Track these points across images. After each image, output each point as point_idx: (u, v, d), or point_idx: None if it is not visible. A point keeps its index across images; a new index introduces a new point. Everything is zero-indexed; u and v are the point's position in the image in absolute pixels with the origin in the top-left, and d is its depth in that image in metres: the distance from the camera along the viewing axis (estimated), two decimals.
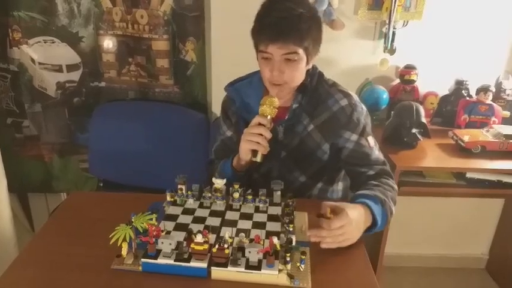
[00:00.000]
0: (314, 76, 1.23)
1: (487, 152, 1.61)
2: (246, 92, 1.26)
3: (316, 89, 1.22)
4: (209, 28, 1.76)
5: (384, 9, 1.76)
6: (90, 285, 0.87)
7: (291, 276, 0.85)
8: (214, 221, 1.00)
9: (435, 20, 1.82)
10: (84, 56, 1.82)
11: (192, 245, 0.84)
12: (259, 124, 1.09)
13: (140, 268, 0.88)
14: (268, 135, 1.08)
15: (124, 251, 0.91)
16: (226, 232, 0.88)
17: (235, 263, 0.84)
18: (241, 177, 1.20)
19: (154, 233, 0.87)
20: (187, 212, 1.05)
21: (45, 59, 1.81)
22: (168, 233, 0.93)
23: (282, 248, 0.88)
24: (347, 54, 1.89)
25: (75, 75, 1.85)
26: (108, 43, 1.80)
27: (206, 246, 0.84)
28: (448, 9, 1.81)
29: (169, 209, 1.07)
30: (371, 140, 1.22)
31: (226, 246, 0.84)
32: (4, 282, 0.87)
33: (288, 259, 0.86)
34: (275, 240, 0.85)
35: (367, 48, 1.87)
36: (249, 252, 0.84)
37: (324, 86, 1.24)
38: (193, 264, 0.85)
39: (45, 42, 1.78)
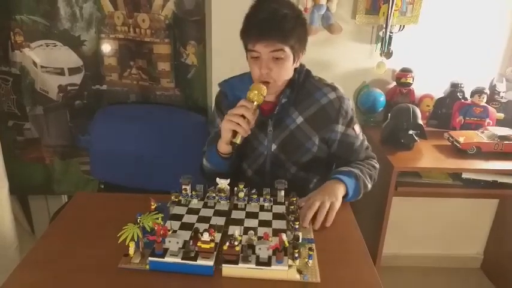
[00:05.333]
0: (301, 73, 1.28)
1: (482, 152, 1.64)
2: (238, 87, 1.31)
3: (303, 84, 1.27)
4: (210, 32, 1.78)
5: (380, 13, 1.79)
6: (97, 284, 0.88)
7: (299, 272, 0.88)
8: (219, 221, 1.03)
9: (431, 25, 1.86)
10: (86, 60, 1.84)
11: (199, 244, 0.86)
12: (243, 106, 1.12)
13: (147, 267, 0.89)
14: (250, 117, 1.11)
15: (131, 250, 0.92)
16: (236, 230, 0.90)
17: (246, 260, 0.86)
18: (227, 164, 1.25)
19: (162, 232, 0.89)
20: (191, 211, 1.07)
21: (47, 62, 1.82)
22: (174, 232, 0.95)
23: (290, 244, 0.90)
24: (345, 58, 1.92)
25: (77, 79, 1.86)
26: (110, 47, 1.82)
27: (213, 245, 0.86)
28: (444, 13, 1.85)
29: (174, 209, 1.09)
30: (357, 128, 1.30)
31: (236, 243, 0.86)
32: (11, 283, 0.88)
33: (296, 255, 0.89)
34: (284, 237, 0.87)
35: (364, 51, 1.91)
36: (259, 249, 0.86)
37: (310, 81, 1.29)
38: (200, 262, 0.87)
39: (47, 46, 1.80)
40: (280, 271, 0.86)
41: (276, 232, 0.94)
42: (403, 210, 2.10)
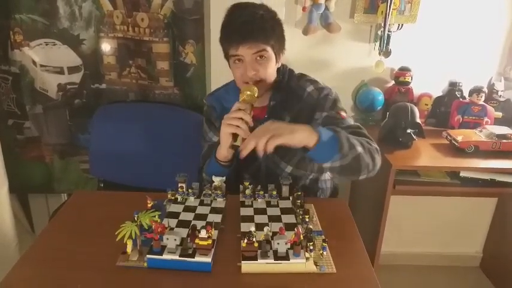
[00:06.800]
0: (285, 73, 1.30)
1: (480, 151, 1.65)
2: (224, 98, 1.34)
3: (288, 85, 1.29)
4: (209, 31, 1.79)
5: (379, 12, 1.80)
6: (95, 282, 0.88)
7: (316, 264, 0.90)
8: (216, 218, 1.03)
9: (429, 23, 1.86)
10: (85, 58, 1.84)
11: (197, 240, 0.87)
12: (240, 109, 1.13)
13: (145, 264, 0.90)
14: (248, 119, 1.12)
15: (129, 248, 0.93)
16: (251, 227, 0.91)
17: (264, 256, 0.88)
18: (228, 173, 1.24)
19: (159, 230, 0.90)
20: (188, 209, 1.08)
21: (47, 61, 1.83)
22: (172, 229, 0.95)
23: (305, 237, 0.91)
24: (343, 57, 1.93)
25: (76, 77, 1.87)
26: (109, 45, 1.82)
27: (210, 241, 0.87)
28: (442, 12, 1.85)
29: (170, 207, 1.09)
30: (343, 113, 1.26)
31: (254, 240, 0.87)
32: (10, 280, 0.89)
33: (312, 247, 0.90)
34: (300, 230, 0.89)
35: (362, 50, 1.91)
36: (278, 243, 0.88)
37: (294, 80, 1.30)
38: (198, 259, 0.88)
39: (46, 45, 1.80)
40: (298, 264, 0.88)
41: (288, 226, 0.96)
42: (401, 208, 2.11)
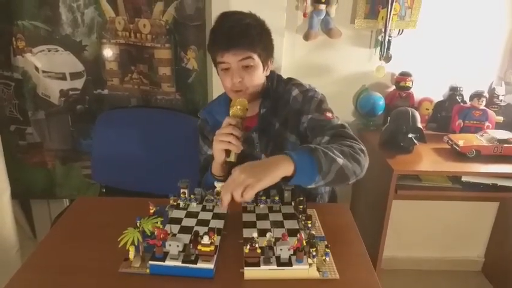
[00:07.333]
0: (273, 79, 1.31)
1: (481, 156, 1.65)
2: (216, 110, 1.35)
3: (276, 90, 1.29)
4: None
5: (379, 18, 1.80)
6: None
7: (318, 270, 0.90)
8: (218, 224, 1.04)
9: (429, 29, 1.87)
10: (88, 64, 1.85)
11: (199, 247, 0.87)
12: (230, 125, 1.13)
13: (147, 271, 0.90)
14: (239, 134, 1.12)
15: (131, 255, 0.93)
16: (254, 233, 0.91)
17: (267, 262, 0.88)
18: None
19: (162, 236, 0.90)
20: (190, 215, 1.08)
21: (49, 67, 1.83)
22: (174, 235, 0.95)
23: (307, 243, 0.91)
24: (344, 62, 1.94)
25: (79, 83, 1.88)
26: (111, 51, 1.83)
27: (213, 248, 0.87)
28: (442, 17, 1.86)
29: (172, 213, 1.10)
30: (328, 114, 1.22)
31: (257, 246, 0.87)
32: (12, 286, 0.89)
33: (314, 253, 0.90)
34: (303, 236, 0.89)
35: (363, 55, 1.92)
36: (280, 249, 0.87)
37: (282, 85, 1.31)
38: (200, 265, 0.88)
39: (49, 51, 1.81)
40: (301, 270, 0.88)
41: (290, 232, 0.96)
42: (403, 213, 2.11)
